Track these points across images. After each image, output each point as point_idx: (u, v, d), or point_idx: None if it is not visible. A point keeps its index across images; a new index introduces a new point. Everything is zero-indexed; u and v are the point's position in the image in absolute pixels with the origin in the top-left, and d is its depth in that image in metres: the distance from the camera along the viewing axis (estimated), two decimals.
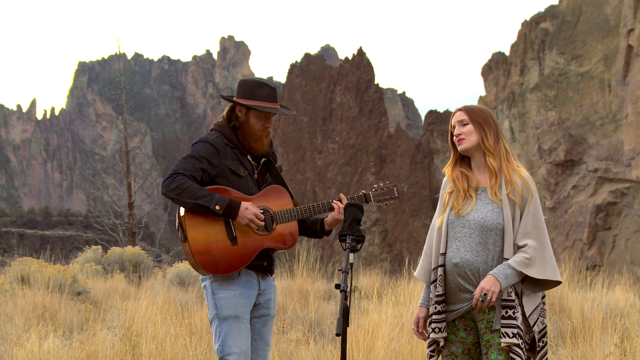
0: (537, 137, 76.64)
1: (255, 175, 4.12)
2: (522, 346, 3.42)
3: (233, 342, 3.93)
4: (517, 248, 3.48)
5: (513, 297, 3.45)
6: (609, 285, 10.15)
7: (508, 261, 3.44)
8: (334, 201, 4.11)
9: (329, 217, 4.14)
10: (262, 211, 3.98)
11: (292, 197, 4.12)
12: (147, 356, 5.93)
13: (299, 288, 10.11)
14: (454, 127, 3.67)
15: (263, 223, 3.93)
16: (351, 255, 3.57)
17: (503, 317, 3.44)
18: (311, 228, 4.22)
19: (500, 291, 3.42)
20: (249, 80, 4.09)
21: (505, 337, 3.41)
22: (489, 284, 3.40)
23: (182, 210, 3.90)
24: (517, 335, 3.40)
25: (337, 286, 3.46)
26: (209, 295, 4.00)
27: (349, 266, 3.51)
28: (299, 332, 7.49)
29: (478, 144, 3.62)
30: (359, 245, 3.65)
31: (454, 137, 3.66)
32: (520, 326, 3.43)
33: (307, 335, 7.11)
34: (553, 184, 74.48)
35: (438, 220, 3.67)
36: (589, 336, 6.16)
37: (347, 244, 3.61)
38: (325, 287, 10.88)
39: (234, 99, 4.07)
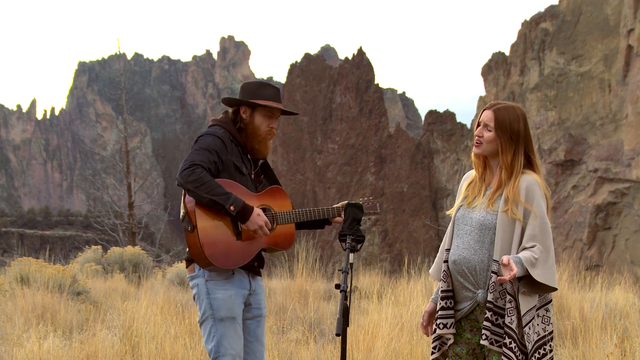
0: (537, 137, 76.61)
1: (252, 175, 4.14)
2: (514, 348, 3.35)
3: (228, 344, 3.93)
4: (523, 250, 3.39)
5: (504, 302, 3.39)
6: (608, 285, 10.13)
7: (519, 255, 3.36)
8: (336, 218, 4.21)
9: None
10: (265, 211, 4.02)
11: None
12: (147, 356, 5.93)
13: (299, 288, 10.10)
14: (480, 124, 3.53)
15: (269, 233, 3.97)
16: (351, 255, 3.57)
17: (488, 319, 3.39)
18: (314, 223, 4.28)
19: (510, 282, 3.35)
20: (252, 82, 4.11)
21: (483, 338, 3.39)
22: (515, 267, 3.28)
23: (192, 200, 3.89)
24: (498, 343, 3.37)
25: (337, 286, 3.46)
26: (202, 294, 3.98)
27: (349, 266, 3.51)
28: (298, 332, 7.49)
29: (494, 152, 3.51)
30: (359, 245, 3.65)
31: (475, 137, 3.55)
32: (511, 330, 3.36)
33: (307, 335, 7.10)
34: (553, 184, 74.44)
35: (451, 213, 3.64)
36: (588, 336, 6.16)
37: (347, 244, 3.61)
38: (325, 287, 10.87)
39: (238, 98, 4.10)
